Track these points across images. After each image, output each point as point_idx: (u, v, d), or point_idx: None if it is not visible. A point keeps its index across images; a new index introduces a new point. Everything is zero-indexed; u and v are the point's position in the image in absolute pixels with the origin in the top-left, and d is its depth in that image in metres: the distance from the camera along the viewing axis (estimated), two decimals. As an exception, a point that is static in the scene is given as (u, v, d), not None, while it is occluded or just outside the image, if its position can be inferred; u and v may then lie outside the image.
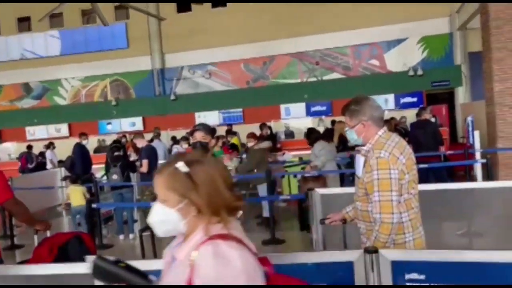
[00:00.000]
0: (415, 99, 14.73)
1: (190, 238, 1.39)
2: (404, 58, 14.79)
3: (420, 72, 14.28)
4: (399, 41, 15.02)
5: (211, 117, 15.60)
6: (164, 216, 1.39)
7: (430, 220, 3.52)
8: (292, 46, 15.60)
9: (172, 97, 16.38)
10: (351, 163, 6.91)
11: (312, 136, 6.83)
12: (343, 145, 8.14)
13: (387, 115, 12.32)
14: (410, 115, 11.96)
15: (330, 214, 2.80)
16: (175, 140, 11.98)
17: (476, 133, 8.26)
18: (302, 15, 15.16)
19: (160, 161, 10.23)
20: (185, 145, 9.09)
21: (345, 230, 3.01)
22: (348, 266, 2.03)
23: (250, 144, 7.43)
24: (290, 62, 16.11)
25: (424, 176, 6.73)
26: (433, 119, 9.36)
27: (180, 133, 12.98)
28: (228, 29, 15.73)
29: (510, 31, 7.87)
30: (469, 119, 9.15)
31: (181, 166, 1.37)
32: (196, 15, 16.07)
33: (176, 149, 9.74)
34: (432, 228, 3.51)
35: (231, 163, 7.79)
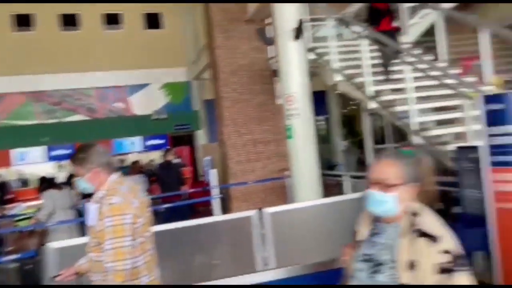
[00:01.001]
0: (161, 141, 15.42)
1: None
2: (148, 102, 15.37)
3: (164, 115, 15.11)
4: (143, 86, 15.55)
5: None
6: None
7: (179, 257, 3.64)
8: (26, 84, 14.03)
9: None
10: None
11: (42, 185, 6.17)
12: (86, 191, 7.68)
13: (135, 158, 12.45)
14: (158, 157, 12.41)
15: (63, 270, 2.56)
16: None
17: (213, 172, 9.15)
18: (40, 52, 13.95)
19: None
20: None
21: (79, 285, 2.78)
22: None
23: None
24: (25, 102, 14.43)
25: (170, 215, 7.00)
26: (177, 160, 9.97)
27: None
28: None
29: (234, 83, 9.23)
30: (206, 159, 10.14)
31: None
32: None
33: None
34: (181, 263, 3.63)
35: None
